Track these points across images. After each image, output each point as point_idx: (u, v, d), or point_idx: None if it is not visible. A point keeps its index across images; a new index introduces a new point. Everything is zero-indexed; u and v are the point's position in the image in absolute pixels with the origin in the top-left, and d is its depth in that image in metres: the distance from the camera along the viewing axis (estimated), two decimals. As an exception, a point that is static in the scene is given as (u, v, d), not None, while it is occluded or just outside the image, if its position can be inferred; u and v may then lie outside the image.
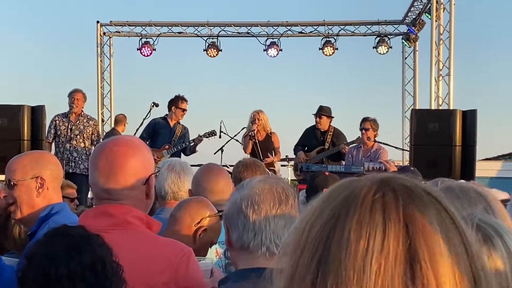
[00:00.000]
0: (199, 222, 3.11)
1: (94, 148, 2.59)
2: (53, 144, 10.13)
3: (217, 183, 3.75)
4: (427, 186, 1.03)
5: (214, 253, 3.54)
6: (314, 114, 10.47)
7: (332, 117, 10.47)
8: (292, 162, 10.80)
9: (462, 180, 2.23)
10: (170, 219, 3.22)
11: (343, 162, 10.38)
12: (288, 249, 1.01)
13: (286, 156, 11.06)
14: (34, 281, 1.96)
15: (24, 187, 3.03)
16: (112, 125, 14.95)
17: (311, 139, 10.48)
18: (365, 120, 10.06)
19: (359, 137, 10.25)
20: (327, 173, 5.64)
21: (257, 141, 9.97)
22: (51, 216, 2.97)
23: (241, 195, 2.12)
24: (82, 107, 10.21)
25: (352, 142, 10.28)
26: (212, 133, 10.56)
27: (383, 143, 10.37)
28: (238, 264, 2.19)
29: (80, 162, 9.89)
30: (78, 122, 10.04)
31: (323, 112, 10.36)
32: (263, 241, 2.09)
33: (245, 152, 10.10)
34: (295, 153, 10.58)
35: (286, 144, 10.67)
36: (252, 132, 9.97)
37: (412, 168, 6.47)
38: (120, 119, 12.33)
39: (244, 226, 2.10)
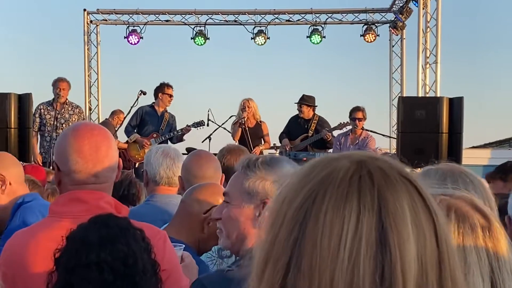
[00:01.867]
0: (208, 210, 3.02)
1: (63, 135, 2.54)
2: (38, 134, 10.11)
3: (207, 169, 3.75)
4: (403, 168, 1.05)
5: None
6: (296, 103, 10.51)
7: (315, 106, 10.48)
8: (278, 150, 10.84)
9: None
10: (180, 205, 3.18)
11: (330, 150, 10.43)
12: (266, 225, 1.03)
13: (274, 144, 11.09)
14: (67, 262, 1.98)
15: None
16: (100, 114, 14.97)
17: (295, 127, 10.52)
18: (357, 110, 10.11)
19: (340, 123, 10.30)
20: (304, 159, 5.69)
21: (247, 128, 9.99)
22: (24, 204, 3.00)
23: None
24: (67, 95, 10.18)
25: (334, 128, 10.31)
26: (200, 123, 10.58)
27: (371, 131, 10.42)
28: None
29: (66, 151, 9.85)
30: (63, 110, 10.02)
31: (304, 101, 10.40)
32: None
33: (234, 139, 10.12)
34: (280, 141, 10.60)
35: (274, 132, 10.70)
36: (243, 120, 9.99)
37: (390, 155, 6.53)
38: (114, 112, 12.31)
39: None
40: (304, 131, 10.38)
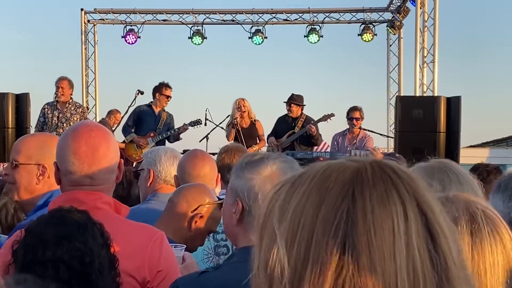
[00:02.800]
0: (196, 209, 3.07)
1: (63, 135, 2.55)
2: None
3: (202, 168, 3.75)
4: (406, 168, 1.06)
5: None
6: (285, 102, 10.51)
7: (303, 105, 10.48)
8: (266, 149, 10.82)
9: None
10: (167, 204, 3.20)
11: (316, 148, 10.47)
12: (283, 231, 1.01)
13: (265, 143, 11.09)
14: (24, 256, 1.98)
15: (26, 172, 3.00)
16: (97, 113, 14.96)
17: (282, 126, 10.51)
18: (354, 109, 10.10)
19: (325, 114, 10.29)
20: (322, 159, 5.70)
21: (240, 128, 9.98)
22: (48, 203, 2.95)
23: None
24: (70, 94, 10.12)
25: (319, 120, 10.29)
26: (197, 122, 10.57)
27: (369, 130, 10.42)
28: (238, 241, 2.20)
29: (66, 150, 9.85)
30: (65, 109, 9.99)
31: (293, 101, 10.40)
32: None
33: (228, 140, 10.11)
34: (267, 141, 10.58)
35: (269, 130, 10.68)
36: (235, 120, 9.98)
37: (397, 155, 6.53)
38: (111, 112, 12.33)
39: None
40: (291, 129, 10.37)
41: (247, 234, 2.15)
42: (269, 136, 10.55)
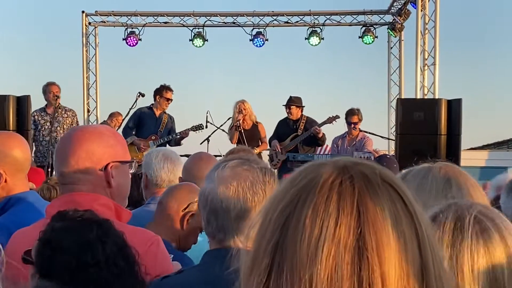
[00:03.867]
0: (186, 207, 3.11)
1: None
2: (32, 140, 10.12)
3: (206, 170, 3.75)
4: (388, 174, 1.06)
5: (206, 238, 3.54)
6: (284, 105, 10.51)
7: (303, 107, 10.48)
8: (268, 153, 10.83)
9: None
10: (158, 206, 3.24)
11: (319, 148, 10.47)
12: (255, 230, 1.05)
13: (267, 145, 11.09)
14: (41, 266, 1.95)
15: None
16: (98, 116, 14.97)
17: (284, 129, 10.52)
18: (352, 114, 10.11)
19: (329, 117, 10.28)
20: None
21: (242, 130, 9.99)
22: (8, 208, 2.84)
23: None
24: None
25: (324, 122, 10.28)
26: (199, 127, 10.56)
27: (369, 133, 10.43)
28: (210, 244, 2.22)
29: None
30: (57, 114, 10.07)
31: (292, 102, 10.42)
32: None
33: (231, 143, 10.11)
34: (269, 145, 10.57)
35: (271, 133, 10.68)
36: (238, 122, 9.99)
37: (388, 156, 6.56)
38: (112, 114, 12.36)
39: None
40: (293, 131, 10.37)
41: (210, 238, 2.18)
42: (270, 139, 10.54)
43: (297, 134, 10.31)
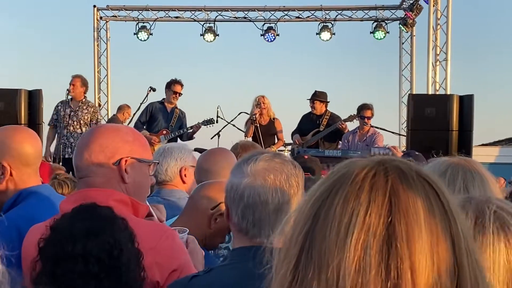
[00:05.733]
0: (216, 206, 3.04)
1: None
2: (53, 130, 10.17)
3: (217, 163, 3.76)
4: (424, 170, 1.05)
5: None
6: (308, 99, 10.50)
7: (328, 102, 10.48)
8: (289, 147, 10.83)
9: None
10: (188, 201, 3.20)
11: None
12: (289, 225, 1.06)
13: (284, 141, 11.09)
14: (52, 253, 1.99)
15: None
16: (109, 110, 15.01)
17: (307, 124, 10.52)
18: (366, 108, 10.04)
19: (351, 115, 10.26)
20: (306, 157, 5.74)
21: (258, 125, 9.99)
22: (19, 203, 2.83)
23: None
24: (84, 92, 10.16)
25: (345, 120, 10.27)
26: (210, 121, 10.55)
27: (380, 128, 10.39)
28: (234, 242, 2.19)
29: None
30: (77, 108, 10.03)
31: (316, 97, 10.41)
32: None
33: (246, 137, 10.11)
34: (291, 138, 10.59)
35: (285, 129, 10.69)
36: (254, 116, 10.00)
37: (416, 153, 6.51)
38: (121, 107, 12.42)
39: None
40: (316, 127, 10.37)
41: (240, 235, 2.14)
42: (293, 133, 10.55)
43: (319, 130, 10.30)
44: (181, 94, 10.46)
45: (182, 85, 10.46)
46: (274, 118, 10.31)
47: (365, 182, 1.00)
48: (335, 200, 1.00)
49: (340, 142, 10.45)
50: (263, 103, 10.15)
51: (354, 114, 10.26)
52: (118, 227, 2.07)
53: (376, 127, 10.27)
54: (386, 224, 0.96)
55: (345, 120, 10.29)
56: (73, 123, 9.95)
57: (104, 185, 2.43)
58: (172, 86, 10.35)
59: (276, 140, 10.37)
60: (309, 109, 10.58)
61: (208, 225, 3.05)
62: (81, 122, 9.97)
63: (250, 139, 9.83)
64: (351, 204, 0.98)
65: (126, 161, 2.46)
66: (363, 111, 10.03)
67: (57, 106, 10.15)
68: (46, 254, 2.02)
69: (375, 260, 0.95)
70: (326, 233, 0.97)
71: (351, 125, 10.49)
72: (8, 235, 2.43)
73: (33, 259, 2.04)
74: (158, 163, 2.76)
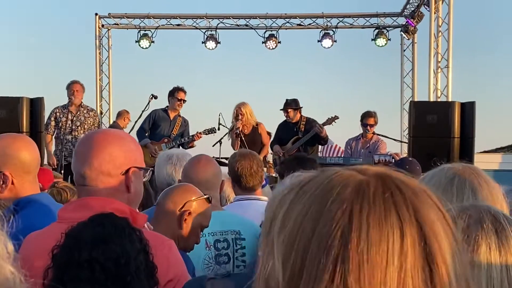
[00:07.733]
0: (183, 207, 3.13)
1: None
2: (53, 137, 10.17)
3: (205, 173, 3.76)
4: (417, 182, 1.05)
5: (204, 244, 3.54)
6: (281, 109, 10.45)
7: (301, 108, 10.42)
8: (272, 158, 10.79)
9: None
10: (156, 207, 3.24)
11: (320, 146, 10.42)
12: (287, 243, 1.01)
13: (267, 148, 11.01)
14: (60, 258, 2.01)
15: None
16: (111, 118, 15.02)
17: (285, 132, 10.43)
18: (369, 116, 10.04)
19: (329, 118, 10.23)
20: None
21: (242, 136, 9.87)
22: (18, 211, 2.78)
23: None
24: (82, 98, 10.24)
25: (324, 123, 10.20)
26: (212, 130, 10.52)
27: (382, 136, 10.38)
28: None
29: (80, 154, 9.87)
30: (78, 113, 10.07)
31: (288, 106, 10.35)
32: None
33: (234, 149, 9.97)
34: (271, 150, 10.51)
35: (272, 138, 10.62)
36: (237, 130, 9.87)
37: (410, 159, 6.51)
38: (121, 113, 12.45)
39: None
40: (294, 134, 10.30)
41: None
42: (272, 144, 10.47)
43: (298, 137, 10.24)
44: (185, 101, 10.45)
45: (185, 92, 10.47)
46: (257, 124, 10.18)
47: (388, 203, 0.98)
48: (363, 222, 0.96)
49: (319, 146, 10.43)
50: (241, 114, 9.95)
51: (332, 117, 10.23)
52: (130, 237, 2.06)
53: (379, 135, 10.26)
54: (422, 245, 0.96)
55: (324, 124, 10.21)
56: (77, 128, 9.98)
57: (109, 194, 2.42)
58: (176, 93, 10.34)
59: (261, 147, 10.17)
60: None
61: (179, 226, 3.11)
62: (85, 127, 10.03)
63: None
64: (383, 227, 0.96)
65: (132, 171, 2.47)
66: (366, 119, 10.03)
67: (54, 112, 10.15)
68: (56, 260, 2.03)
69: (418, 279, 0.95)
70: (363, 260, 0.94)
71: (350, 129, 10.47)
72: None
73: (47, 266, 2.03)
74: (151, 169, 2.76)
